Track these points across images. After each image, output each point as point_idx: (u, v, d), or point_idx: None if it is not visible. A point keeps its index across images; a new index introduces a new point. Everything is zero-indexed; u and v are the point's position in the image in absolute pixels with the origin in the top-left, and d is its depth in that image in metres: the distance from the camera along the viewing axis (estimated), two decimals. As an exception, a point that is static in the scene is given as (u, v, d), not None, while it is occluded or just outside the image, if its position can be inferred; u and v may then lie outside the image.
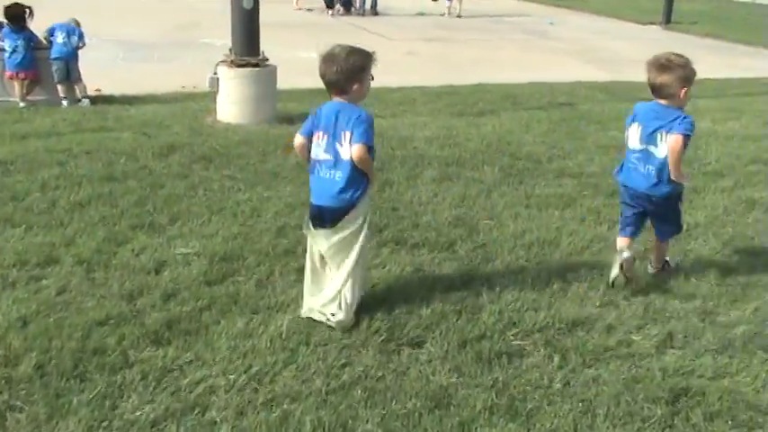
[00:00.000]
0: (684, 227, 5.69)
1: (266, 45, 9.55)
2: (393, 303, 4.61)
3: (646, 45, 19.30)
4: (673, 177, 4.73)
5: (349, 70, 4.08)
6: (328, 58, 4.10)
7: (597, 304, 4.72)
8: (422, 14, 23.77)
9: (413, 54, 16.13)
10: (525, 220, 6.11)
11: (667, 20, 23.16)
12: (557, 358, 4.09)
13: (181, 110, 9.83)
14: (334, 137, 4.15)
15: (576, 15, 26.22)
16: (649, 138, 4.81)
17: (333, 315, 4.30)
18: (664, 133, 4.74)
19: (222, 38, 11.65)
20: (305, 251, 5.26)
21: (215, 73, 9.34)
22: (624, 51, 17.99)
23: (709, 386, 3.87)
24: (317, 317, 4.37)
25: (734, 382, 3.93)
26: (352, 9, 23.51)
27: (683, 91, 4.74)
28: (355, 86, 4.13)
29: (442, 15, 23.43)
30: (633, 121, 4.96)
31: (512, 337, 4.31)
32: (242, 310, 4.52)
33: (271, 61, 9.53)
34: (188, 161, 7.37)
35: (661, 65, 4.75)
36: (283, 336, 4.22)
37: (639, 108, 4.99)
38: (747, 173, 7.53)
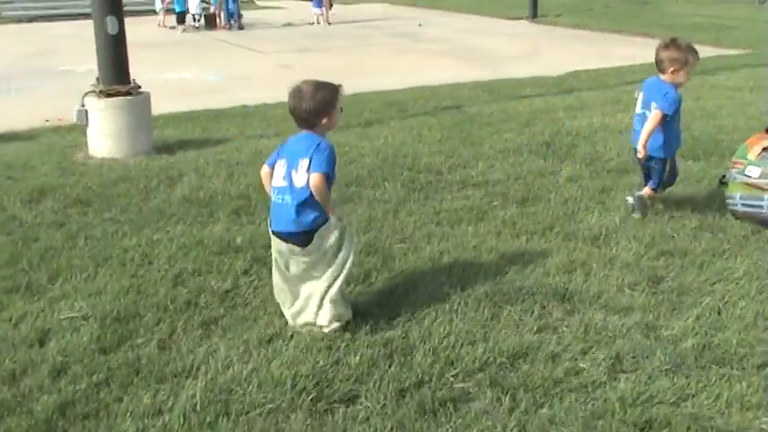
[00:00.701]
0: (602, 231, 5.61)
1: (133, 68, 8.89)
2: (315, 353, 4.15)
3: (518, 40, 19.45)
4: (640, 146, 5.86)
5: (317, 106, 4.21)
6: (296, 95, 4.24)
7: (534, 329, 4.39)
8: (290, 25, 23.29)
9: (287, 67, 15.64)
10: (440, 239, 5.74)
11: (534, 14, 23.44)
12: (506, 400, 3.72)
13: (47, 147, 9.06)
14: (291, 164, 4.24)
15: (443, 16, 26.24)
16: (645, 105, 5.92)
17: (321, 327, 4.37)
18: (654, 103, 5.78)
19: (84, 63, 10.96)
20: (207, 302, 4.79)
21: (82, 105, 8.62)
22: (498, 48, 18.00)
23: (673, 414, 3.57)
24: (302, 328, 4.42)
25: (697, 406, 3.65)
26: (218, 23, 22.79)
27: (672, 69, 5.74)
28: (324, 121, 4.27)
29: (312, 24, 23.01)
30: (640, 90, 6.03)
31: (452, 380, 3.92)
32: (146, 380, 3.96)
33: (142, 86, 8.86)
34: (62, 206, 6.67)
35: (665, 44, 5.81)
36: (198, 407, 3.70)
37: (646, 81, 6.06)
38: (650, 167, 7.39)
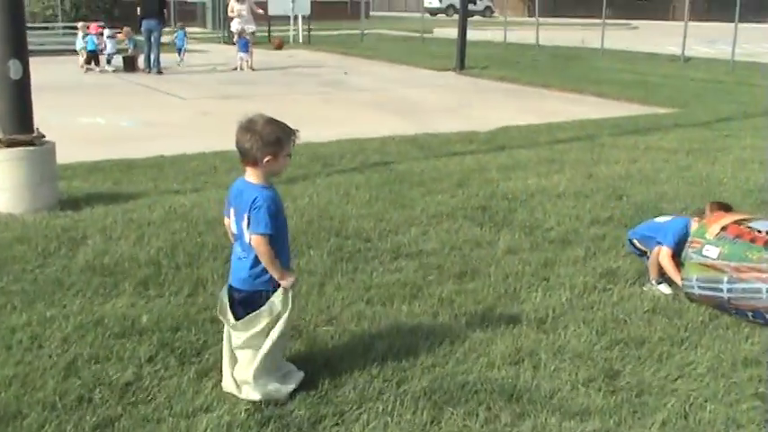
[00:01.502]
0: (548, 313, 5.17)
1: (40, 111, 8.15)
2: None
3: (445, 92, 19.17)
4: None
5: (263, 140, 3.88)
6: (244, 127, 3.94)
7: (481, 439, 3.84)
8: (213, 70, 22.65)
9: (208, 114, 14.98)
10: (371, 321, 5.17)
11: (461, 65, 23.25)
12: None
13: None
14: (238, 216, 4.03)
15: (369, 64, 25.92)
16: None
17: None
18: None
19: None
20: (103, 398, 4.13)
21: (-22, 155, 7.83)
22: (425, 100, 17.67)
23: None
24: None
25: None
26: (137, 66, 22.02)
27: None
28: (267, 159, 3.90)
29: (235, 70, 22.39)
30: None
31: (389, 507, 3.32)
32: None
33: (47, 132, 8.12)
34: (-56, 273, 5.91)
35: None
36: None
37: None
38: (593, 237, 6.98)
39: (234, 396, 4.20)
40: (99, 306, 5.37)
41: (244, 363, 4.17)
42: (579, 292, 5.70)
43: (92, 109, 15.15)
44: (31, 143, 7.93)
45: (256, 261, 4.00)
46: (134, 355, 4.63)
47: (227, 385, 4.26)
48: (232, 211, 4.09)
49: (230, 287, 4.19)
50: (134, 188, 8.91)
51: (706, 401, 4.23)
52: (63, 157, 8.43)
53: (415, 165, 10.32)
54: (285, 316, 4.06)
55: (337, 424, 3.97)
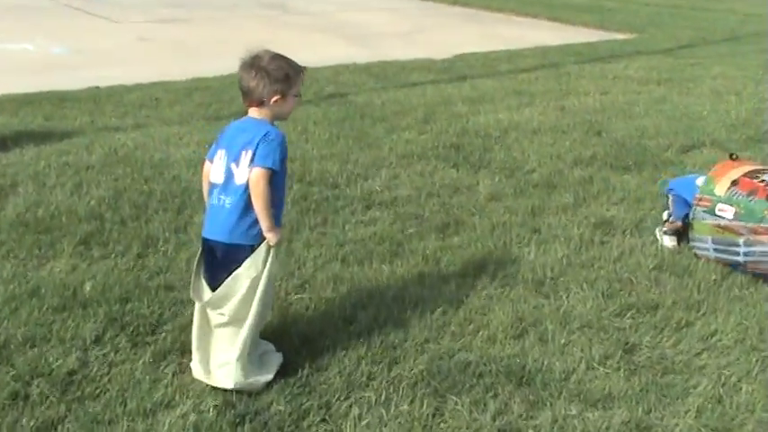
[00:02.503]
0: (545, 272, 4.68)
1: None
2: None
3: (396, 16, 18.33)
4: None
5: (271, 77, 3.46)
6: (248, 63, 3.51)
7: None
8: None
9: (145, 40, 13.92)
10: (349, 285, 4.56)
11: (411, -12, 22.31)
12: None
13: None
14: (232, 156, 3.49)
15: (313, -15, 24.73)
16: None
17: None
18: None
19: None
20: (43, 394, 3.48)
21: None
22: (376, 24, 16.81)
23: None
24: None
25: None
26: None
27: None
28: (275, 99, 3.49)
29: (172, -10, 21.06)
30: None
31: None
32: None
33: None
34: None
35: None
36: None
37: None
38: (579, 180, 6.44)
39: (199, 388, 3.56)
40: (33, 271, 4.65)
41: (224, 342, 3.60)
42: (576, 246, 5.16)
43: (19, 34, 13.96)
44: (-52, 76, 7.03)
45: (248, 208, 3.45)
46: (77, 335, 3.95)
47: (197, 371, 3.64)
48: (222, 152, 3.54)
49: (207, 243, 3.60)
50: (68, 124, 8.06)
51: (739, 381, 3.74)
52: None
53: (374, 96, 9.61)
54: (265, 276, 3.50)
55: (324, 420, 3.39)
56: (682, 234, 5.28)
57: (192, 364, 3.67)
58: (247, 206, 3.45)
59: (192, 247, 5.00)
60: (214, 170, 3.55)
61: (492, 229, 5.40)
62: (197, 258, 3.65)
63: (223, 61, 11.79)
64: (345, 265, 4.82)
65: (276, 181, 3.47)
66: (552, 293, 4.53)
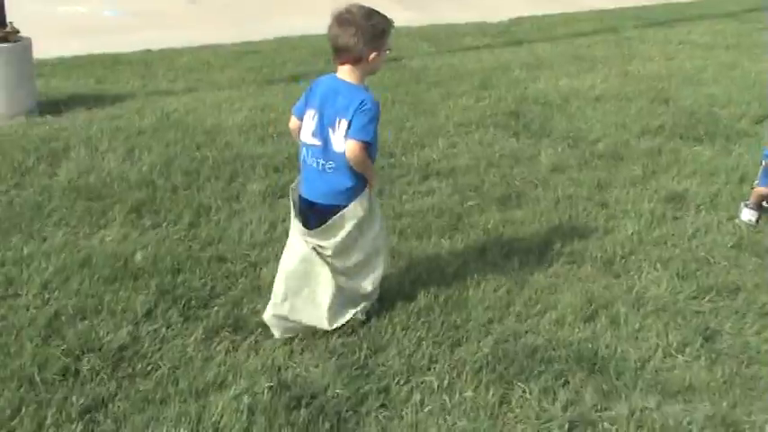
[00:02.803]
0: (615, 250, 4.44)
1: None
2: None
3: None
4: None
5: (369, 33, 3.36)
6: (343, 20, 3.38)
7: (566, 427, 3.07)
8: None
9: (194, 2, 13.76)
10: (408, 261, 4.36)
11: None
12: None
13: None
14: (327, 119, 3.44)
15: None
16: None
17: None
18: None
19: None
20: (93, 370, 3.36)
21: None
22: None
23: None
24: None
25: None
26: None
27: None
28: (372, 55, 3.40)
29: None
30: None
31: None
32: None
33: (21, 24, 7.08)
34: None
35: None
36: None
37: None
38: (648, 151, 6.14)
39: (252, 367, 3.40)
40: (85, 240, 4.53)
41: (327, 283, 3.60)
42: (647, 222, 4.89)
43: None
44: (5, 39, 6.92)
45: (348, 173, 3.47)
46: (128, 308, 3.82)
47: (280, 310, 3.59)
48: (314, 112, 3.49)
49: (307, 202, 3.62)
50: (120, 88, 7.96)
51: (831, 373, 3.47)
52: (39, 51, 7.41)
53: (428, 61, 9.34)
54: (374, 217, 3.64)
55: (383, 405, 3.21)
56: (763, 209, 4.98)
57: (272, 311, 3.60)
58: (348, 171, 3.45)
59: (245, 216, 4.85)
60: (305, 129, 3.51)
61: (556, 203, 5.15)
62: (293, 206, 3.64)
63: (273, 23, 11.65)
64: (403, 239, 4.62)
65: (371, 149, 3.47)
66: (623, 273, 4.28)
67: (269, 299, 3.63)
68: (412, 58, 9.54)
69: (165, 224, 4.74)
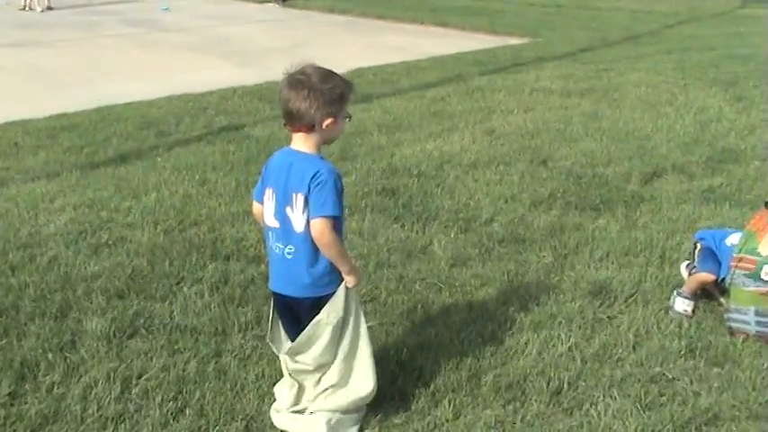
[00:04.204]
0: (556, 377, 3.69)
1: None
2: None
3: (274, 29, 17.17)
4: None
5: (325, 97, 2.98)
6: (296, 82, 2.99)
7: None
8: (-4, 9, 19.31)
9: (-2, 68, 12.23)
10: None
11: (284, -4, 21.11)
12: None
13: None
14: (283, 196, 3.06)
15: (182, -2, 23.16)
16: None
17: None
18: None
19: None
20: None
21: None
22: (254, 39, 15.56)
23: None
24: None
25: None
26: None
27: None
28: (327, 122, 3.02)
29: (23, 10, 19.08)
30: None
31: None
32: None
33: None
34: None
35: None
36: None
37: None
38: (549, 229, 5.43)
39: None
40: None
41: (311, 390, 3.34)
42: (581, 329, 4.13)
43: None
44: None
45: (313, 257, 3.09)
46: None
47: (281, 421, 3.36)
48: (271, 192, 3.13)
49: (280, 298, 3.24)
50: None
51: None
52: None
53: (274, 128, 8.38)
54: (351, 320, 3.21)
55: None
56: (698, 296, 4.35)
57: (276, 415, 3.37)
58: (312, 255, 3.08)
59: (87, 374, 3.71)
60: (267, 212, 3.15)
61: (469, 311, 4.31)
62: (271, 308, 3.33)
63: (91, 90, 10.38)
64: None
65: (338, 225, 3.07)
66: (577, 407, 3.48)
67: None
68: (255, 125, 8.58)
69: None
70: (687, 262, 4.69)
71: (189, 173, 6.70)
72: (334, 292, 3.14)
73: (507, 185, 6.25)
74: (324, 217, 2.99)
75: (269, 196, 3.15)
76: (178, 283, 4.64)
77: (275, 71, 9.21)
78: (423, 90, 10.27)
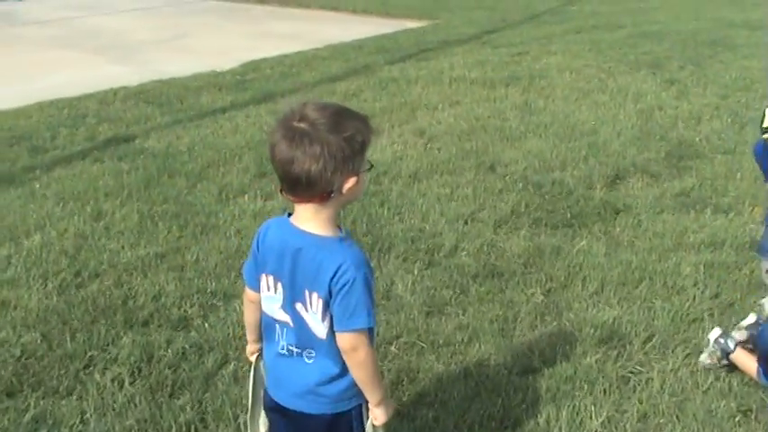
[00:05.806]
0: None
1: None
2: None
3: (149, 17, 15.78)
4: None
5: (344, 153, 2.06)
6: (298, 134, 2.05)
7: None
8: None
9: None
10: None
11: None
12: None
13: None
14: (292, 292, 2.20)
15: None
16: None
17: None
18: None
19: None
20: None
21: None
22: (129, 30, 14.15)
23: None
24: None
25: None
26: None
27: None
28: (350, 183, 2.10)
29: None
30: None
31: None
32: None
33: None
34: None
35: None
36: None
37: None
38: (525, 257, 4.63)
39: None
40: None
41: None
42: (610, 395, 3.33)
43: None
44: None
45: (339, 368, 2.22)
46: None
47: None
48: (271, 280, 2.25)
49: (277, 407, 2.36)
50: None
51: None
52: None
53: (170, 137, 7.31)
54: None
55: None
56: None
57: None
58: (339, 366, 2.23)
59: None
60: (269, 302, 2.29)
61: (464, 380, 3.46)
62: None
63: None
64: None
65: (372, 337, 2.22)
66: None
67: None
68: (147, 134, 7.45)
69: None
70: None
71: (77, 203, 5.59)
72: (355, 408, 2.30)
73: (462, 201, 5.42)
74: (357, 332, 2.15)
75: (268, 284, 2.27)
76: (86, 367, 3.62)
77: (158, 67, 7.99)
78: (330, 84, 9.33)
